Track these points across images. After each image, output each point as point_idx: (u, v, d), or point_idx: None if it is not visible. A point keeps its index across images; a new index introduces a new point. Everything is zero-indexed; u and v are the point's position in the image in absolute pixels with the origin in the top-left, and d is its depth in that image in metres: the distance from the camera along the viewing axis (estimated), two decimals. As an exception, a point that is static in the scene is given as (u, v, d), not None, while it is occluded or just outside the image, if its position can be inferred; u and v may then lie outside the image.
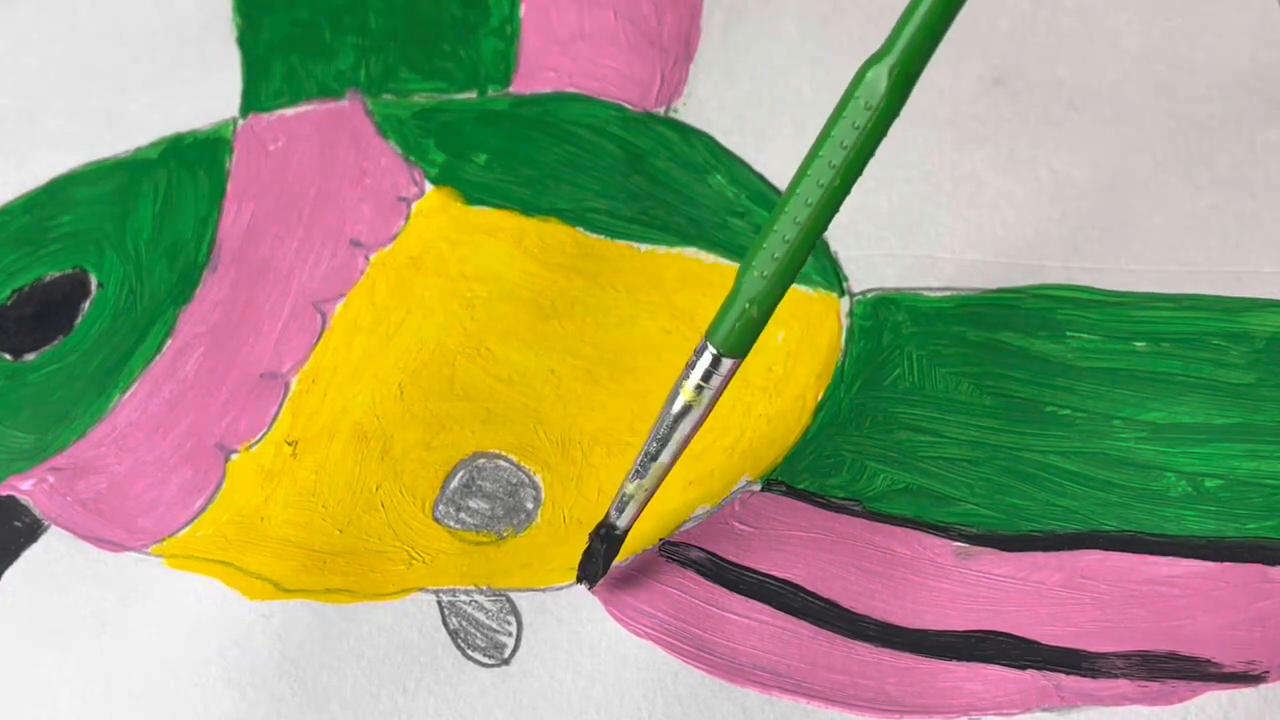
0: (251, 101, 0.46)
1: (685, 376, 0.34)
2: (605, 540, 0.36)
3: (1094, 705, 0.35)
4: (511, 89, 0.46)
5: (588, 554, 0.36)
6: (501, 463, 0.39)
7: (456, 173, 0.44)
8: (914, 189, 0.44)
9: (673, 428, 0.35)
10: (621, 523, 0.36)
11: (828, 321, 0.41)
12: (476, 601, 0.37)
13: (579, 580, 0.37)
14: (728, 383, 0.34)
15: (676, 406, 0.34)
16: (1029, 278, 0.42)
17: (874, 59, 0.31)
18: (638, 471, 0.35)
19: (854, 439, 0.39)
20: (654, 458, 0.35)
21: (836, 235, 0.43)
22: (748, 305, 0.33)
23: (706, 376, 0.34)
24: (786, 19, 0.47)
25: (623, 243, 0.43)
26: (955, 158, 0.44)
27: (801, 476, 0.38)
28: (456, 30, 0.48)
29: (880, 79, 0.30)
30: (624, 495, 0.36)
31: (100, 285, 0.43)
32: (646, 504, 0.36)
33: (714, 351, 0.34)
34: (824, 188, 0.32)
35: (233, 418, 0.40)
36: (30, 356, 0.42)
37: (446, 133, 0.45)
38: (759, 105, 0.46)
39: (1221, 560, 0.36)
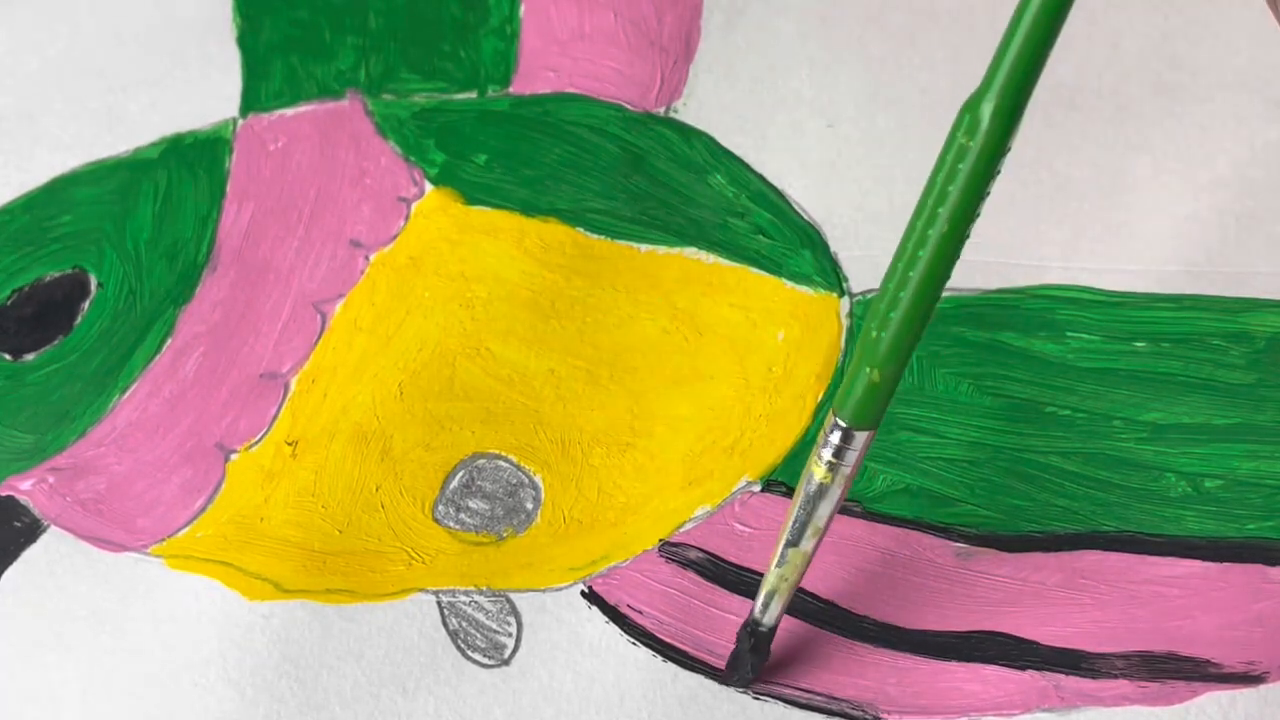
0: (251, 101, 0.46)
1: (815, 453, 0.32)
2: (754, 638, 0.34)
3: (1094, 706, 0.35)
4: (511, 89, 0.46)
5: (735, 655, 0.35)
6: (501, 463, 0.39)
7: (456, 173, 0.44)
8: (914, 190, 0.43)
9: (809, 510, 0.32)
10: (767, 619, 0.34)
11: (828, 322, 0.41)
12: (476, 602, 0.37)
13: (725, 682, 0.35)
14: (863, 457, 0.32)
15: (810, 487, 0.32)
16: (1029, 278, 0.42)
17: (973, 99, 0.29)
18: (779, 561, 0.33)
19: (854, 439, 0.39)
20: (794, 544, 0.32)
21: (836, 236, 0.43)
22: (868, 370, 0.30)
23: (839, 453, 0.31)
24: (786, 19, 0.47)
25: (623, 243, 0.43)
26: (955, 158, 0.44)
27: (801, 477, 0.38)
28: (456, 30, 0.48)
29: (982, 117, 0.28)
30: (767, 588, 0.34)
31: (100, 285, 0.43)
32: (791, 596, 0.34)
33: (842, 424, 0.31)
34: (933, 237, 0.29)
35: (233, 418, 0.40)
36: (30, 357, 0.42)
37: (446, 133, 0.45)
38: (759, 106, 0.46)
39: (1221, 560, 0.36)
